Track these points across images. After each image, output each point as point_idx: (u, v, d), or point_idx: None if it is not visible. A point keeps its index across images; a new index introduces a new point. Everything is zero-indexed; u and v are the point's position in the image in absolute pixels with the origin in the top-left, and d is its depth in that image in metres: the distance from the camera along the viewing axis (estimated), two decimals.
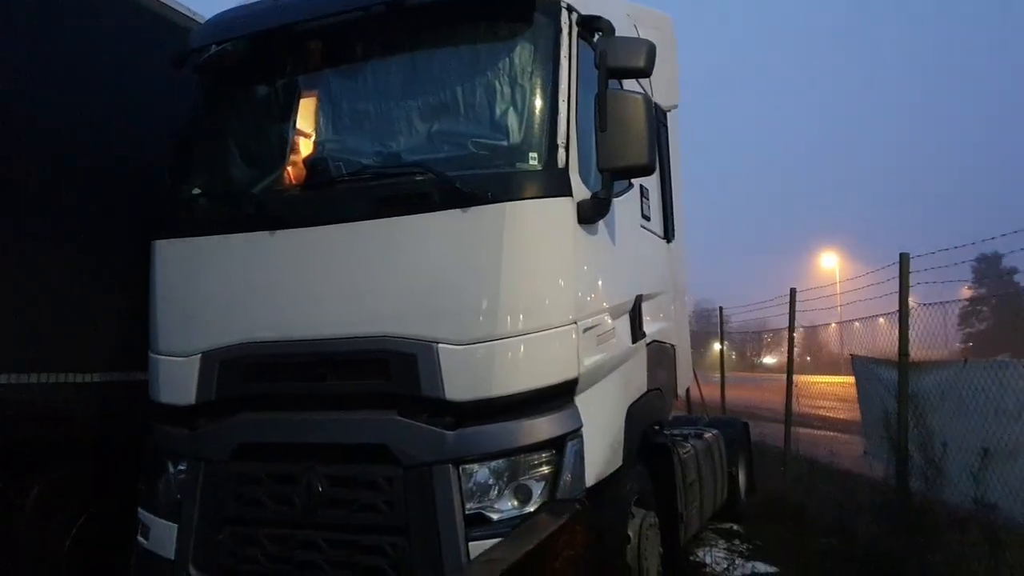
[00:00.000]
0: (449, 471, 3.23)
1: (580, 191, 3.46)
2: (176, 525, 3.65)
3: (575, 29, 3.60)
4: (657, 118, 4.84)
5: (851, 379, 8.72)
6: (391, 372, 3.33)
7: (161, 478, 3.82)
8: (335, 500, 3.41)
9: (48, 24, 4.09)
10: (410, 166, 3.53)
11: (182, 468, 3.76)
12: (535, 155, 3.43)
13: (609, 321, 3.73)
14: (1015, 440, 4.96)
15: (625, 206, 4.11)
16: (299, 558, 3.44)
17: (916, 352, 6.22)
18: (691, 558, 5.88)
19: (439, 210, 3.34)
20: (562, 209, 3.38)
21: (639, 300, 4.17)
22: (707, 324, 19.62)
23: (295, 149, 3.89)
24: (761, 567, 5.81)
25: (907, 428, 5.87)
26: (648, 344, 4.32)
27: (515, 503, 3.24)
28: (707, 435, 6.43)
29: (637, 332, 4.12)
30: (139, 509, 3.87)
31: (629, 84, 3.94)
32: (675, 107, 5.56)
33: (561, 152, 3.40)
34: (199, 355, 3.70)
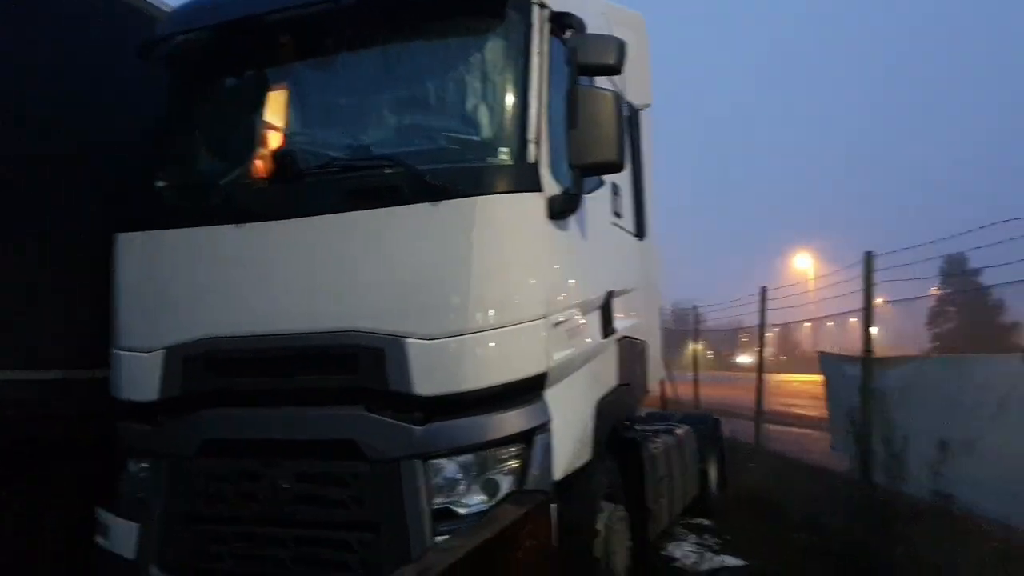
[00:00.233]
0: (417, 466, 3.23)
1: (551, 186, 3.47)
2: (137, 524, 3.60)
3: (546, 25, 3.61)
4: (629, 116, 4.89)
5: (822, 377, 8.89)
6: (359, 367, 3.32)
7: (122, 476, 3.76)
8: (302, 496, 3.38)
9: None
10: (380, 159, 3.51)
11: (144, 466, 3.70)
12: (506, 150, 3.44)
13: (579, 316, 3.75)
14: (971, 433, 5.09)
15: (596, 203, 4.13)
16: (266, 555, 3.40)
17: (887, 351, 6.35)
18: (661, 552, 5.94)
19: (409, 203, 3.33)
20: (532, 204, 3.39)
21: (610, 296, 4.20)
22: (684, 323, 19.80)
23: (263, 141, 3.84)
24: (730, 560, 5.88)
25: (871, 423, 5.99)
26: (618, 340, 4.35)
27: (483, 497, 3.24)
28: (678, 431, 6.48)
29: (607, 328, 4.15)
30: (98, 509, 3.80)
31: (600, 81, 3.96)
32: (648, 106, 5.60)
33: (532, 147, 3.41)
34: (163, 350, 3.64)
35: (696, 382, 14.64)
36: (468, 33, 3.72)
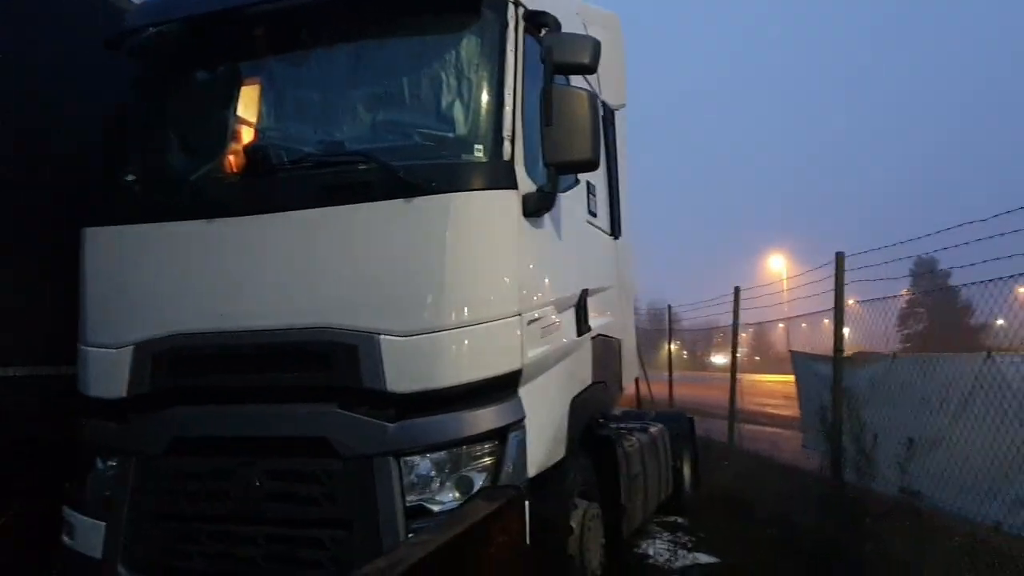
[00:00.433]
0: (390, 463, 3.21)
1: (525, 184, 3.48)
2: (104, 523, 3.54)
3: (521, 23, 3.62)
4: (605, 116, 4.92)
5: (794, 377, 9.00)
6: (331, 364, 3.30)
7: (89, 475, 3.69)
8: (274, 494, 3.35)
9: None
10: (353, 155, 3.49)
11: (112, 464, 3.64)
12: (480, 147, 3.44)
13: (554, 314, 3.76)
14: (936, 430, 5.20)
15: (571, 201, 4.16)
16: (237, 554, 3.37)
17: (857, 352, 6.45)
18: (634, 549, 5.98)
19: (382, 200, 3.31)
20: (507, 201, 3.40)
21: (584, 294, 4.22)
22: (660, 323, 19.95)
23: (235, 136, 3.80)
24: (703, 558, 5.94)
25: (841, 421, 6.09)
26: (593, 338, 4.38)
27: (457, 495, 3.24)
28: (652, 429, 6.52)
29: (582, 326, 4.17)
30: (64, 508, 3.73)
31: (576, 80, 3.98)
32: (623, 106, 5.64)
33: (506, 145, 3.42)
34: (132, 347, 3.59)
35: (671, 382, 14.75)
36: (443, 30, 3.72)
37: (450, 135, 3.54)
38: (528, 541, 3.13)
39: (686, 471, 7.66)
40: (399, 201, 3.29)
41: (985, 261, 4.94)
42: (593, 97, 3.54)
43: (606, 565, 4.34)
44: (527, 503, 3.17)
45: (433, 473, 3.26)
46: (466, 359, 3.28)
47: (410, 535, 3.14)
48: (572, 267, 4.12)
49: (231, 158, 3.74)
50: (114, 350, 3.64)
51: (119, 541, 3.50)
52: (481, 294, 3.34)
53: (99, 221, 3.81)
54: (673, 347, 16.72)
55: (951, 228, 5.44)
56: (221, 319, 3.47)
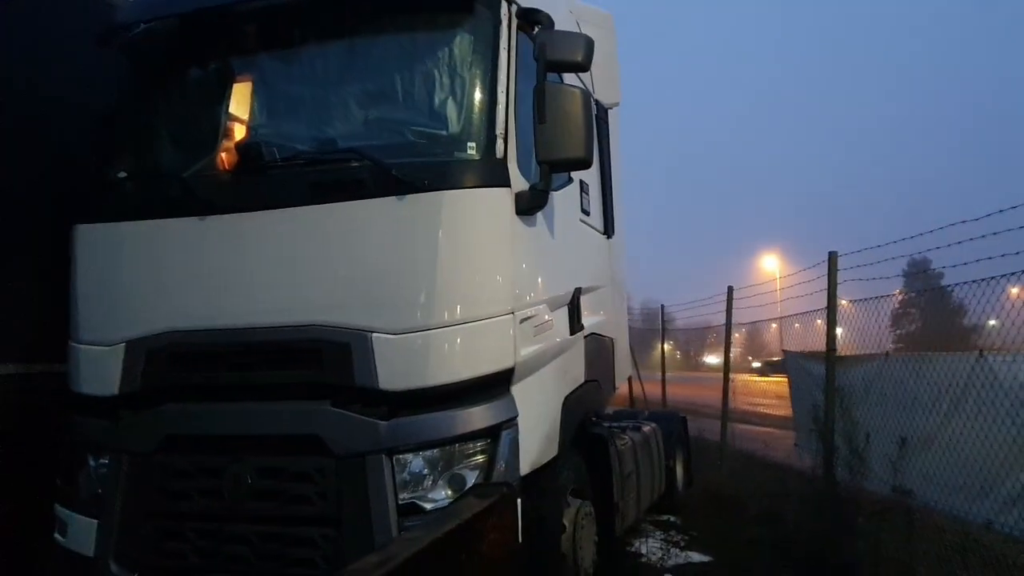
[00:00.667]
0: (382, 461, 3.21)
1: (518, 182, 3.48)
2: (96, 521, 3.52)
3: (514, 21, 3.62)
4: (598, 115, 4.92)
5: (787, 376, 9.02)
6: (324, 361, 3.29)
7: (80, 472, 3.67)
8: (265, 492, 3.34)
9: None
10: (345, 152, 3.48)
11: (104, 461, 3.62)
12: (473, 145, 3.44)
13: (547, 313, 3.76)
14: (929, 429, 5.22)
15: (564, 200, 4.15)
16: (228, 552, 3.36)
17: (850, 352, 6.46)
18: (627, 548, 5.99)
19: (374, 197, 3.30)
20: (500, 199, 3.39)
21: (578, 293, 4.22)
22: (654, 323, 19.96)
23: (227, 133, 3.79)
24: (696, 556, 5.95)
25: (834, 420, 6.10)
26: (586, 336, 4.37)
27: (449, 492, 3.23)
28: (645, 428, 6.54)
29: (575, 324, 4.17)
30: (56, 505, 3.71)
31: (569, 78, 3.98)
32: (616, 105, 5.64)
33: (499, 142, 3.41)
34: (123, 344, 3.57)
35: (663, 381, 14.77)
36: (436, 27, 3.71)
37: (443, 133, 3.54)
38: (520, 539, 3.13)
39: (679, 470, 7.69)
40: (392, 199, 3.28)
41: (978, 260, 4.94)
42: (587, 95, 3.54)
43: (599, 563, 4.34)
44: (519, 501, 3.17)
45: (425, 471, 3.25)
46: (459, 357, 3.28)
47: (402, 533, 3.13)
48: (565, 265, 4.12)
49: (223, 155, 3.73)
50: (105, 347, 3.62)
51: (111, 539, 3.48)
52: (474, 292, 3.33)
53: (90, 218, 3.78)
54: (666, 347, 16.74)
55: (943, 227, 5.45)
56: (213, 317, 3.46)
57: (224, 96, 3.84)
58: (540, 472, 3.49)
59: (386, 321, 3.24)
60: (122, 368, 3.56)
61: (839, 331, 6.55)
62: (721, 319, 10.65)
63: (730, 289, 10.13)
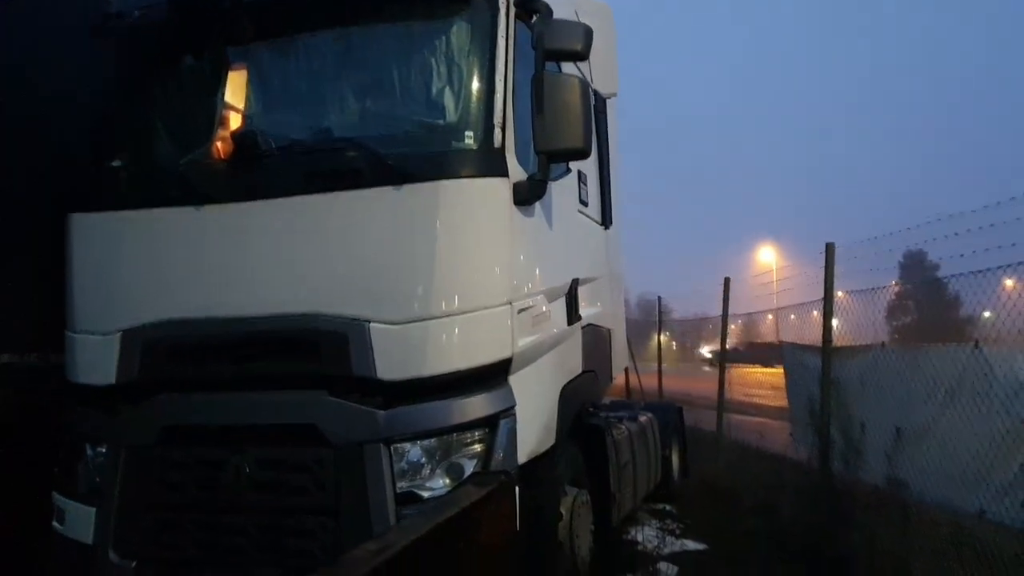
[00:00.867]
0: (380, 450, 3.21)
1: (516, 172, 3.47)
2: (94, 509, 3.52)
3: (513, 10, 3.60)
4: (596, 105, 4.90)
5: (783, 368, 9.04)
6: (321, 352, 3.29)
7: (78, 462, 3.67)
8: (263, 483, 3.34)
9: None
10: (343, 142, 3.47)
11: (101, 451, 3.62)
12: (471, 134, 3.43)
13: (544, 303, 3.76)
14: (924, 421, 5.24)
15: (563, 190, 4.14)
16: (226, 543, 3.36)
17: (847, 343, 6.48)
18: (624, 536, 6.01)
19: (372, 187, 3.30)
20: (498, 189, 3.39)
21: (575, 284, 4.22)
22: (650, 314, 20.00)
23: (223, 123, 3.76)
24: (691, 544, 5.99)
25: (829, 412, 6.12)
26: (583, 327, 4.38)
27: (447, 481, 3.25)
28: (642, 418, 6.56)
29: (573, 315, 4.17)
30: (54, 494, 3.71)
31: (567, 68, 3.96)
32: (614, 95, 5.62)
33: (497, 132, 3.40)
34: (120, 333, 3.57)
35: (660, 373, 14.80)
36: (434, 16, 3.69)
37: (440, 122, 3.53)
38: (518, 527, 3.15)
39: (675, 460, 7.72)
40: (389, 189, 3.28)
41: (974, 252, 4.96)
42: (585, 85, 3.53)
43: (595, 551, 4.36)
44: (517, 489, 3.18)
45: (423, 460, 3.26)
46: (456, 347, 3.28)
47: (400, 521, 3.15)
48: (563, 256, 4.12)
49: (220, 145, 3.70)
50: (102, 337, 3.61)
51: (109, 527, 3.49)
52: (471, 282, 3.33)
53: (86, 207, 3.77)
54: (663, 338, 16.76)
55: (940, 219, 5.47)
56: (209, 307, 3.45)
57: (220, 85, 3.81)
58: (537, 461, 3.50)
59: (384, 311, 3.24)
60: (119, 358, 3.56)
61: (835, 322, 6.56)
62: (717, 310, 10.67)
63: (727, 280, 10.15)
